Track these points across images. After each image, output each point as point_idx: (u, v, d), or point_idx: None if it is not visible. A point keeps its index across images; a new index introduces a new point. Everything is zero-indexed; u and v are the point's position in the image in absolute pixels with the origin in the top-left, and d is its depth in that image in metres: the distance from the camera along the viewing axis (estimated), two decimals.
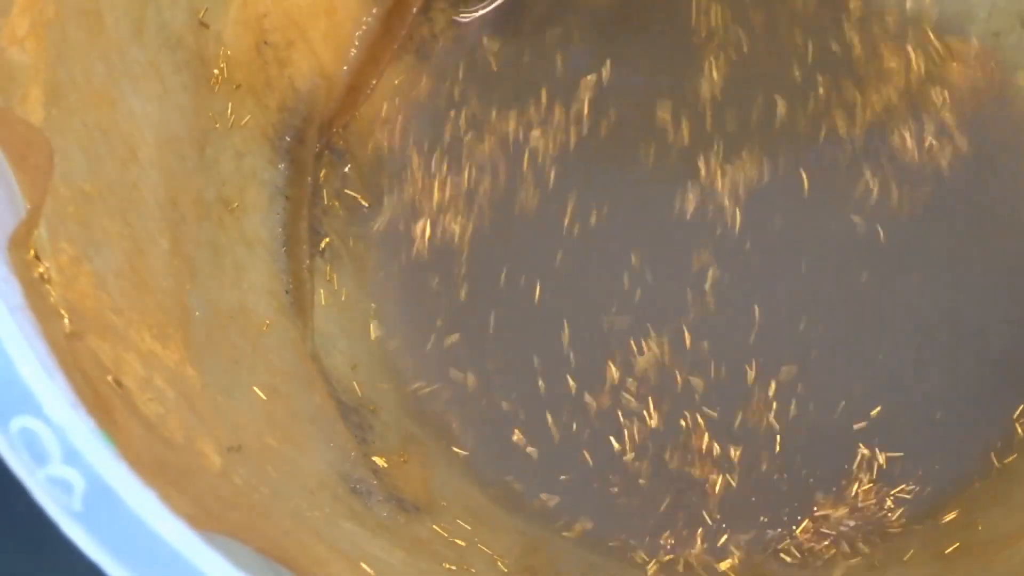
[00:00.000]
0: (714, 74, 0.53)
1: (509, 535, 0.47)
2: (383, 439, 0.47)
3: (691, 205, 0.51)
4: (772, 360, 0.50)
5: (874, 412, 0.49)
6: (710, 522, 0.48)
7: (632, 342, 0.50)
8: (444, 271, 0.51)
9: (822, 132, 0.52)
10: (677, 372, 0.50)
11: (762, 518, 0.48)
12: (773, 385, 0.49)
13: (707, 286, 0.50)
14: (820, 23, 0.54)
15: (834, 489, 0.48)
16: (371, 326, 0.51)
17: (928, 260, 0.51)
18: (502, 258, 0.51)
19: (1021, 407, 0.49)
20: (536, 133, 0.53)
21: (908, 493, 0.48)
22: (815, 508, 0.48)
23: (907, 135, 0.52)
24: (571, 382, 0.50)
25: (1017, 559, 0.42)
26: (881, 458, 0.49)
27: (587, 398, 0.49)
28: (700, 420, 0.49)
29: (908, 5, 0.54)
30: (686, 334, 0.50)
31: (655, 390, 0.50)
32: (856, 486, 0.48)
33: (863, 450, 0.49)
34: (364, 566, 0.38)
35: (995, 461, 0.49)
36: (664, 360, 0.50)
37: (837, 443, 0.49)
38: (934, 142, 0.52)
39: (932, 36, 0.54)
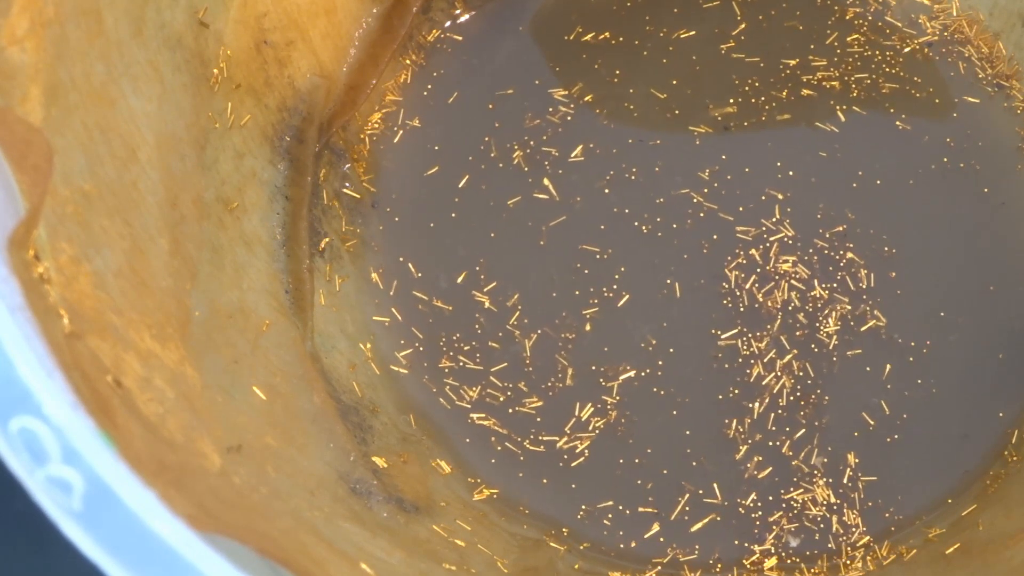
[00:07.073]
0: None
1: (509, 535, 0.47)
2: (383, 439, 0.47)
3: None
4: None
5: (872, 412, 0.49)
6: (708, 524, 0.48)
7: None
8: (443, 269, 0.51)
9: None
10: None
11: (759, 523, 0.48)
12: (785, 383, 0.49)
13: None
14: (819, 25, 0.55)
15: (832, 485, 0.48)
16: (371, 326, 0.51)
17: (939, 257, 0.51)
18: (502, 256, 0.51)
19: (1022, 409, 0.49)
20: (535, 133, 0.53)
21: (907, 493, 0.48)
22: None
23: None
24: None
25: (1017, 559, 0.42)
26: (880, 458, 0.49)
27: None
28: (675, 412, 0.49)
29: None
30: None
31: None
32: (851, 485, 0.48)
33: (859, 449, 0.49)
34: (364, 566, 0.38)
35: (996, 462, 0.49)
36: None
37: (832, 443, 0.49)
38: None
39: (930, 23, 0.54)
